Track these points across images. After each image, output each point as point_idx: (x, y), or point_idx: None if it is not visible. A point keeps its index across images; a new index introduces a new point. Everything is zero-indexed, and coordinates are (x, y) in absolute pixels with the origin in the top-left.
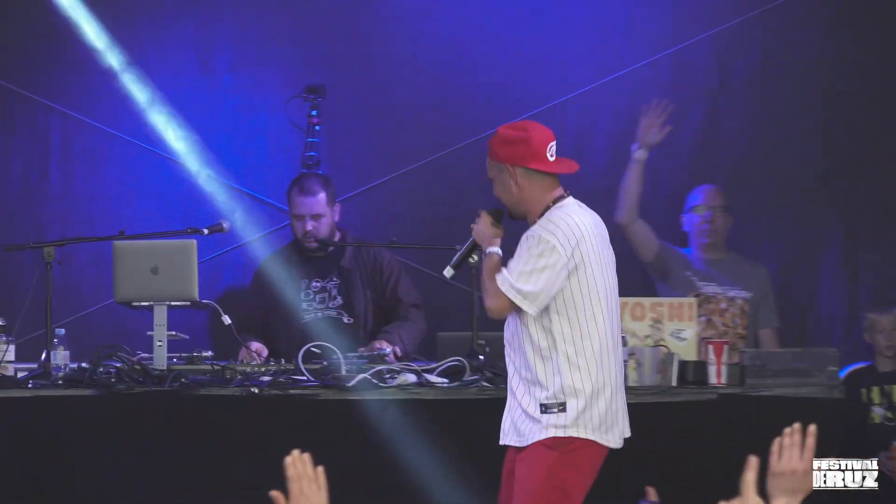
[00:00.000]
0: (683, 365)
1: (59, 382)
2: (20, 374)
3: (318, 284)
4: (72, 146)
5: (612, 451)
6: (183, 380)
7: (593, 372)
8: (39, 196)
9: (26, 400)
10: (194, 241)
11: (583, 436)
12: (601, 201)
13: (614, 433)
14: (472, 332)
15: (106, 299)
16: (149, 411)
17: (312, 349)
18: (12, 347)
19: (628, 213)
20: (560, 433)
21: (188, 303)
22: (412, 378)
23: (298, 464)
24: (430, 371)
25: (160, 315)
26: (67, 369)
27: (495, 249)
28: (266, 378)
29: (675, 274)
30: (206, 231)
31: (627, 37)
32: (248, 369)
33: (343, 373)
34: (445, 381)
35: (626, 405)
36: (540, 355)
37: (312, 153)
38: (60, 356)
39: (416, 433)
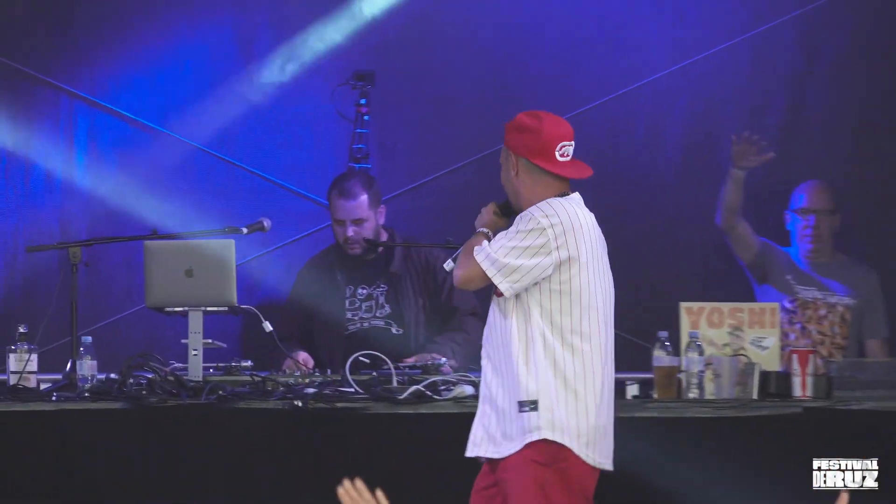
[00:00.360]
0: (765, 376)
1: (86, 395)
2: (43, 386)
3: (365, 291)
4: (99, 138)
5: (684, 466)
6: (220, 392)
7: (581, 376)
8: (64, 192)
9: (50, 414)
10: (233, 242)
11: (565, 443)
12: (675, 194)
13: (601, 451)
14: None
15: (136, 304)
16: (183, 426)
17: (361, 359)
18: (35, 357)
19: (729, 215)
20: (536, 436)
21: (226, 308)
22: (469, 390)
23: (353, 492)
24: None
25: (195, 321)
26: (94, 381)
27: (486, 230)
28: (310, 390)
29: (774, 276)
30: (245, 230)
31: (703, 20)
32: (291, 381)
33: (394, 384)
34: None
35: (612, 426)
36: (524, 352)
37: (360, 145)
38: (87, 366)
39: None
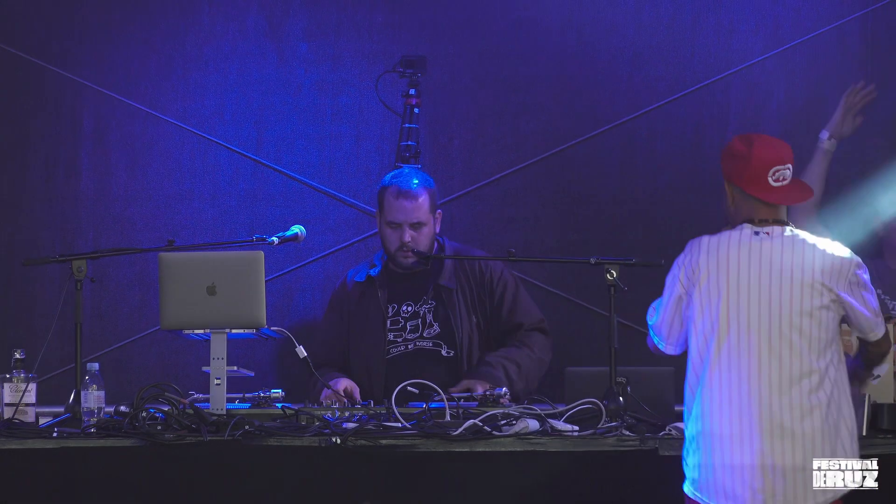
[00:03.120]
0: (877, 409)
1: (92, 430)
2: (43, 421)
3: (410, 309)
4: (108, 134)
5: None
6: (247, 427)
7: None
8: (67, 196)
9: (51, 452)
10: (261, 254)
11: None
12: None
13: None
14: (608, 368)
15: (150, 326)
16: (204, 466)
17: (409, 388)
18: (34, 387)
19: (807, 211)
20: None
21: (254, 331)
22: (534, 425)
23: None
24: (556, 416)
25: (219, 346)
26: (102, 414)
27: None
28: (350, 425)
29: None
30: (275, 240)
31: None
32: (329, 414)
33: (447, 418)
34: (576, 428)
35: None
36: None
37: (410, 142)
38: (93, 398)
39: (539, 494)
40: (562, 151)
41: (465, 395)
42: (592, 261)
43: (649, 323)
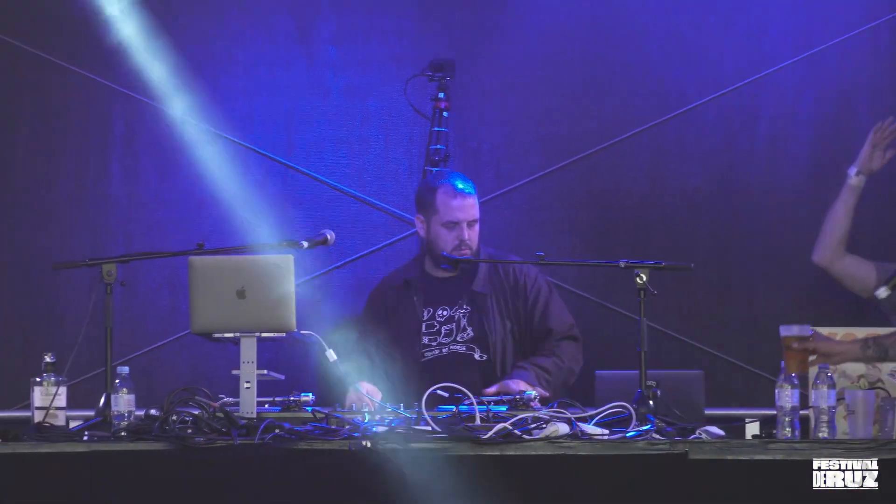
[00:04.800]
0: None
1: (123, 434)
2: (73, 424)
3: (446, 313)
4: (138, 138)
5: None
6: (277, 431)
7: None
8: (97, 199)
9: (81, 456)
10: (291, 257)
11: None
12: (802, 202)
13: None
14: (638, 371)
15: (180, 330)
16: (234, 470)
17: (439, 392)
18: (64, 390)
19: (833, 250)
20: None
21: (283, 334)
22: (564, 428)
23: None
24: (586, 419)
25: (248, 349)
26: (132, 417)
27: None
28: (381, 428)
29: None
30: (305, 244)
31: (834, 1)
32: (359, 418)
33: (477, 422)
34: (606, 432)
35: None
36: None
37: (439, 146)
38: (123, 401)
39: (568, 497)
40: (591, 155)
41: (495, 398)
42: (622, 264)
43: None
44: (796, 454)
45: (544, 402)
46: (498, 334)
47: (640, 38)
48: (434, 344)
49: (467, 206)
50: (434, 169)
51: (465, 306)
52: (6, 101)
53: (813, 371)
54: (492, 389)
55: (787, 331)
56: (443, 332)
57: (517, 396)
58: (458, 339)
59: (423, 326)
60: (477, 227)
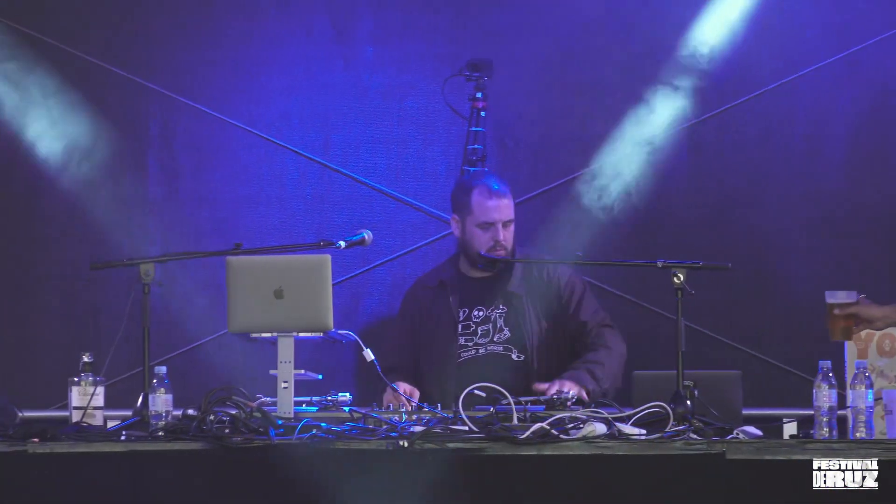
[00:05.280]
0: None
1: (160, 434)
2: (111, 424)
3: (482, 313)
4: (175, 137)
5: None
6: (314, 430)
7: None
8: (134, 200)
9: (118, 456)
10: (328, 257)
11: None
12: (838, 204)
13: None
14: (676, 371)
15: (218, 330)
16: (272, 469)
17: (476, 392)
18: (101, 390)
19: None
20: None
21: (321, 334)
22: (601, 428)
23: None
24: (623, 419)
25: (286, 349)
26: (170, 417)
27: None
28: (418, 428)
29: None
30: (342, 244)
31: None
32: (396, 417)
33: (515, 421)
34: (643, 432)
35: None
36: None
37: (476, 146)
38: (161, 401)
39: (606, 497)
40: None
41: (531, 398)
42: (659, 264)
43: None
44: (833, 454)
45: (604, 395)
46: (534, 334)
47: (678, 37)
48: (470, 344)
49: (502, 207)
50: (471, 169)
51: (500, 306)
52: (43, 100)
53: (851, 370)
54: (542, 387)
55: (832, 297)
56: (479, 332)
57: (554, 396)
58: (494, 339)
59: (460, 327)
60: (512, 227)
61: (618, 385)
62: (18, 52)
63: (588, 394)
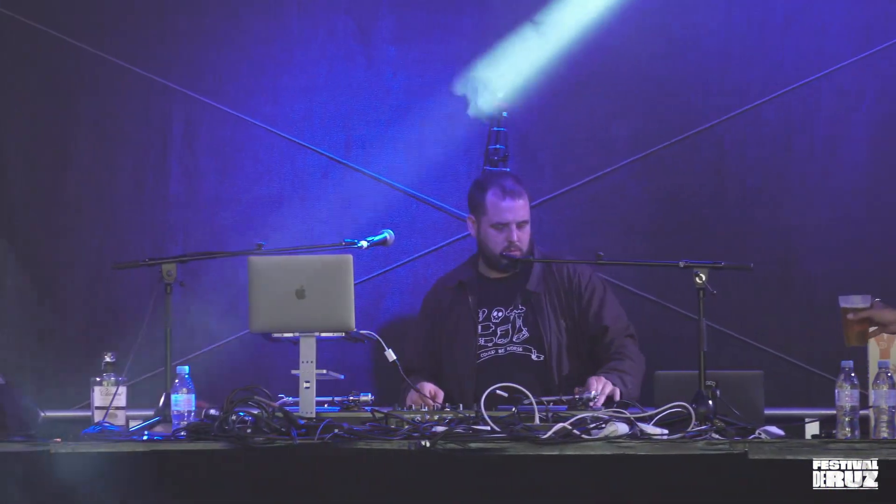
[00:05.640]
0: None
1: (182, 434)
2: (133, 424)
3: (501, 314)
4: (197, 137)
5: None
6: (336, 430)
7: None
8: (156, 200)
9: (141, 455)
10: (350, 257)
11: None
12: (860, 204)
13: None
14: (698, 371)
15: (239, 329)
16: (293, 470)
17: (498, 392)
18: (124, 390)
19: None
20: None
21: (343, 334)
22: (623, 428)
23: None
24: (645, 419)
25: (308, 349)
26: (192, 417)
27: None
28: (440, 428)
29: None
30: (364, 244)
31: None
32: (418, 417)
33: (537, 421)
34: (665, 431)
35: None
36: None
37: (498, 146)
38: (183, 401)
39: (628, 497)
40: (651, 155)
41: (553, 398)
42: (681, 264)
43: None
44: (856, 454)
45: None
46: (553, 334)
47: (701, 37)
48: (490, 345)
49: (516, 208)
50: (493, 169)
51: (519, 306)
52: (66, 101)
53: (874, 370)
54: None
55: (846, 301)
56: (498, 332)
57: (576, 397)
58: (514, 339)
59: (479, 328)
60: (527, 228)
61: (639, 394)
62: (38, 52)
63: (620, 395)
